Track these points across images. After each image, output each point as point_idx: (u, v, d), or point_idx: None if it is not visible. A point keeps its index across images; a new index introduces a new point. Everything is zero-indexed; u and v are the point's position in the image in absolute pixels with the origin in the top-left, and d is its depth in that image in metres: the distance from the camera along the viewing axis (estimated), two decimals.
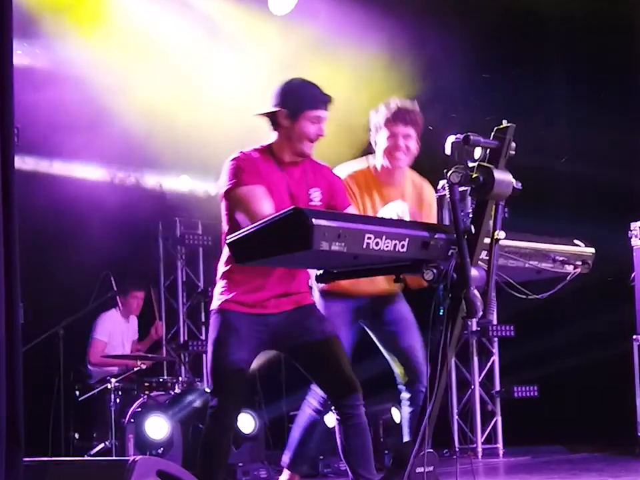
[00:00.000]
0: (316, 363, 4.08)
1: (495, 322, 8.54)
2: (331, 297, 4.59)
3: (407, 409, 4.68)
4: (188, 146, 7.83)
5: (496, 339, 8.54)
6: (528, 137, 7.26)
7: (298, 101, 4.00)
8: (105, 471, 2.89)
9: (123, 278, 7.95)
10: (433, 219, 3.65)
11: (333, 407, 4.09)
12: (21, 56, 7.14)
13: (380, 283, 4.62)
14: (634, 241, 7.39)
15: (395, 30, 7.58)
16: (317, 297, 4.57)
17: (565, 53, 8.49)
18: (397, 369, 4.69)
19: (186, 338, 9.31)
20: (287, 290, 4.05)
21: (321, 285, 4.57)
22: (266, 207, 3.79)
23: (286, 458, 4.67)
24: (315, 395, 4.60)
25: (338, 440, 4.13)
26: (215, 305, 4.09)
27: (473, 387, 8.41)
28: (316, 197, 4.05)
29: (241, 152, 4.03)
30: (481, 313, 3.17)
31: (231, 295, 4.02)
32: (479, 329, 8.46)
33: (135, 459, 2.85)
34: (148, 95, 7.40)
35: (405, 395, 4.68)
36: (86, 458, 3.54)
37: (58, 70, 7.28)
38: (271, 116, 4.06)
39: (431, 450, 3.35)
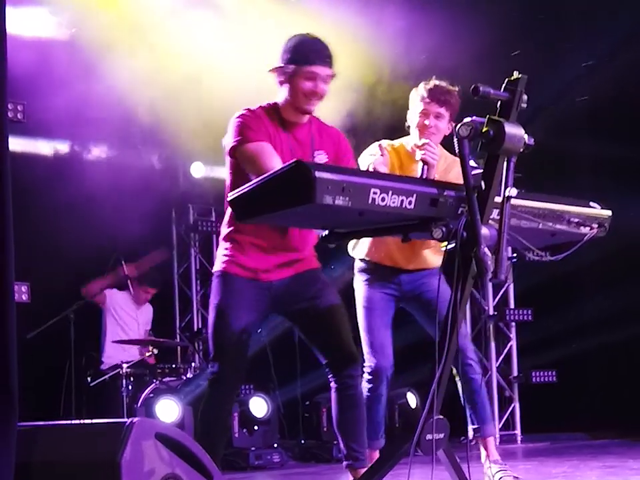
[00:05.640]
0: (317, 329, 3.99)
1: (512, 306, 8.44)
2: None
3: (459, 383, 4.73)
4: (201, 132, 7.73)
5: (513, 324, 8.42)
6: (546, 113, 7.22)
7: (294, 56, 3.89)
8: (101, 434, 2.80)
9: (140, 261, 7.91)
10: None
11: (331, 375, 4.00)
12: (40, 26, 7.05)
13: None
14: None
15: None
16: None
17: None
18: None
19: (199, 326, 9.25)
20: (291, 257, 3.97)
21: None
22: (276, 162, 3.66)
23: None
24: None
25: (333, 409, 4.05)
26: (217, 266, 4.01)
27: (490, 372, 8.30)
28: (321, 160, 3.94)
29: (246, 109, 3.93)
30: (491, 273, 3.05)
31: (234, 258, 3.94)
32: (495, 313, 8.36)
33: (133, 420, 2.75)
34: (161, 78, 7.30)
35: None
36: (83, 421, 3.46)
37: (74, 46, 7.17)
38: (274, 75, 3.97)
39: (442, 417, 3.24)
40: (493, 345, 8.35)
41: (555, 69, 7.68)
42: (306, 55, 3.88)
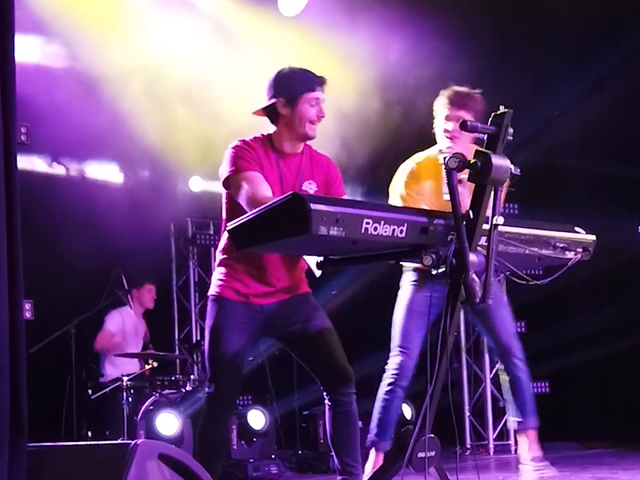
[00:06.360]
0: (309, 351, 4.11)
1: None
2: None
3: (504, 378, 5.02)
4: (199, 147, 7.86)
5: None
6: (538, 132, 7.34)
7: (293, 86, 4.01)
8: (106, 455, 2.92)
9: (134, 272, 8.02)
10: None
11: (325, 394, 4.11)
12: (39, 53, 7.19)
13: None
14: None
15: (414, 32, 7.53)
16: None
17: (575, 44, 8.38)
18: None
19: (198, 338, 9.36)
20: (284, 284, 4.10)
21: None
22: (266, 191, 3.82)
23: (371, 436, 4.98)
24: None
25: (327, 426, 4.16)
26: (212, 290, 4.15)
27: (484, 383, 8.41)
28: (310, 189, 4.07)
29: (241, 140, 4.06)
30: (479, 298, 3.18)
31: (227, 283, 4.09)
32: None
33: (137, 442, 2.88)
34: (159, 96, 7.43)
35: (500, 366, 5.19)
36: (88, 442, 3.59)
37: (71, 69, 7.31)
38: (270, 109, 4.07)
39: (432, 435, 3.37)
40: (487, 356, 8.46)
41: (549, 93, 7.82)
42: (308, 82, 4.02)
